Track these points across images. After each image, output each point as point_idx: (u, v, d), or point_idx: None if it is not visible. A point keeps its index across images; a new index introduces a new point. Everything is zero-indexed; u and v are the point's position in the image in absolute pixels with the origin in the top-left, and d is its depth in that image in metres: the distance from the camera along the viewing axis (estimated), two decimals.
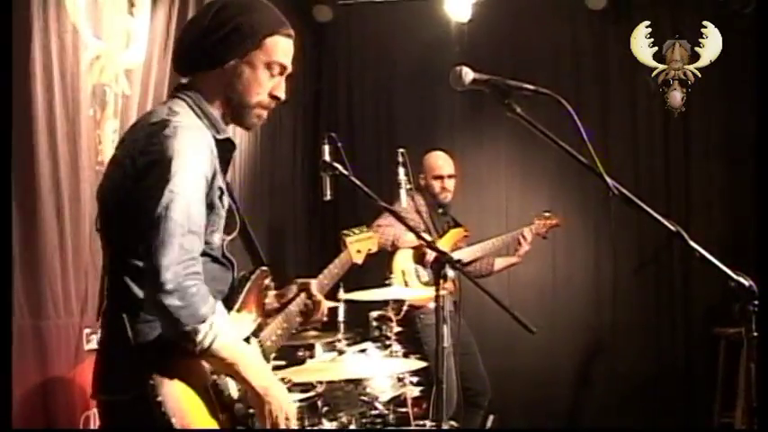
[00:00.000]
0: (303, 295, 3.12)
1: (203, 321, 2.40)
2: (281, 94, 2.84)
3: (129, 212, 2.50)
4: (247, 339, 2.81)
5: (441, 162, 6.39)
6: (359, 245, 3.56)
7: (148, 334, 2.51)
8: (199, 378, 2.57)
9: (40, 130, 3.99)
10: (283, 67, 2.82)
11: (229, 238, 2.86)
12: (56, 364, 4.10)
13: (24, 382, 3.84)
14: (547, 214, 6.63)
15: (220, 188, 2.68)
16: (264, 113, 2.86)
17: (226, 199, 2.76)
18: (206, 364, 2.59)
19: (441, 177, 6.34)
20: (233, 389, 2.67)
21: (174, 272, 2.36)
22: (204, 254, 2.67)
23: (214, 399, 2.59)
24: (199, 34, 2.77)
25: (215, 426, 2.57)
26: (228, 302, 2.79)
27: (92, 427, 4.31)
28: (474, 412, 6.17)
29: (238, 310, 2.81)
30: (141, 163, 2.53)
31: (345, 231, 3.57)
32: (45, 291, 4.03)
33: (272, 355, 3.00)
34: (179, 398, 2.46)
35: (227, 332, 2.51)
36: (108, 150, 4.50)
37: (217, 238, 2.74)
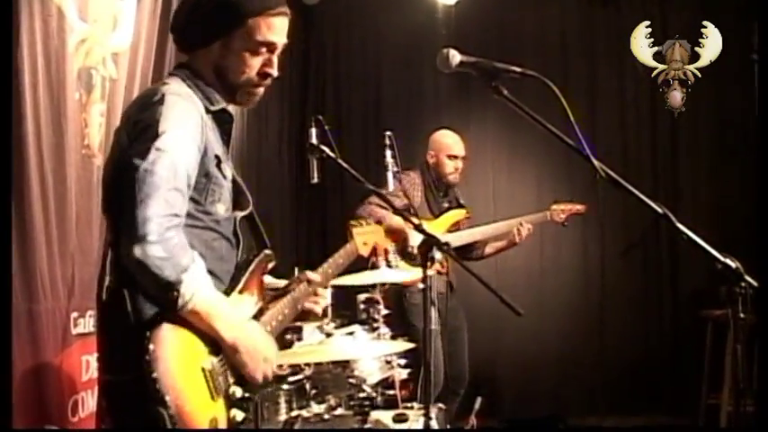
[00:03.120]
0: (304, 285, 3.09)
1: (185, 271, 2.40)
2: (273, 71, 2.83)
3: (123, 179, 2.49)
4: None
5: (455, 142, 6.32)
6: (366, 237, 3.49)
7: (147, 312, 2.49)
8: (196, 358, 2.55)
9: (25, 113, 3.97)
10: (272, 46, 2.80)
11: (242, 214, 2.88)
12: (45, 349, 4.10)
13: (16, 366, 3.82)
14: (568, 201, 6.52)
15: (217, 156, 2.71)
16: (258, 91, 2.86)
17: (228, 169, 2.79)
18: (201, 345, 2.56)
19: (455, 157, 6.28)
20: (229, 373, 2.65)
21: (157, 223, 2.36)
22: (211, 228, 2.71)
23: (210, 381, 2.57)
24: (187, 12, 2.80)
25: (211, 407, 2.56)
26: (232, 282, 2.80)
27: (79, 410, 4.32)
28: (450, 399, 6.10)
29: (240, 292, 2.80)
30: (133, 132, 2.57)
31: (353, 222, 3.53)
32: (34, 275, 4.02)
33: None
34: (175, 376, 2.43)
35: (206, 285, 2.51)
36: (94, 134, 4.49)
37: (221, 210, 2.74)
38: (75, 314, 4.28)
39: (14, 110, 3.89)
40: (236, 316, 2.67)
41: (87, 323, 4.33)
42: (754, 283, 2.29)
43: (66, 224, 4.25)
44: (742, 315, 2.30)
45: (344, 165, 3.22)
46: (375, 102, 8.26)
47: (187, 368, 2.51)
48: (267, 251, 3.01)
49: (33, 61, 4.03)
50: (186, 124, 2.57)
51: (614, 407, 7.34)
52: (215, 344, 2.59)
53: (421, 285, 5.70)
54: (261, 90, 2.87)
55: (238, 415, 2.67)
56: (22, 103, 3.95)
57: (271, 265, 3.02)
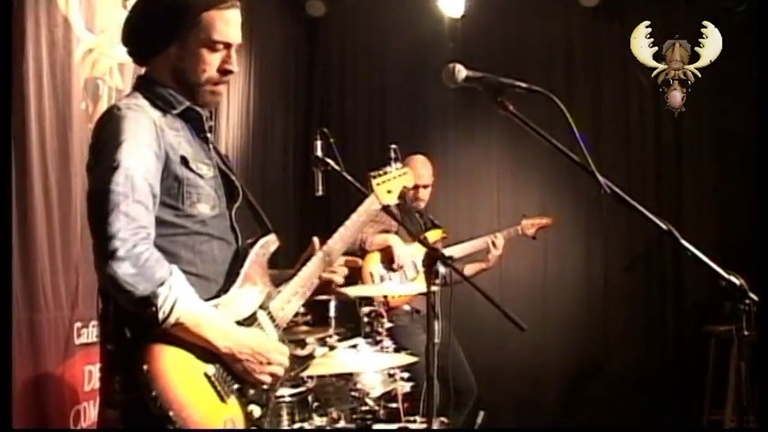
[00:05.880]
0: (318, 257, 3.02)
1: (161, 285, 2.37)
2: (231, 67, 2.75)
3: (88, 202, 2.53)
4: (253, 315, 2.72)
5: (419, 169, 6.12)
6: (389, 184, 3.27)
7: (144, 331, 2.45)
8: (196, 367, 2.51)
9: (30, 123, 3.98)
10: (228, 41, 2.72)
11: (235, 206, 2.84)
12: (47, 358, 4.09)
13: (17, 375, 3.82)
14: (536, 215, 6.51)
15: (183, 157, 2.65)
16: (219, 89, 2.78)
17: (206, 167, 2.73)
18: (200, 353, 2.52)
19: (416, 187, 6.08)
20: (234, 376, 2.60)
21: (122, 239, 2.35)
22: (197, 232, 2.67)
23: (217, 385, 2.53)
24: (136, 21, 2.76)
25: (223, 409, 2.53)
26: (230, 278, 2.73)
27: (81, 421, 4.31)
28: (459, 411, 6.08)
29: (240, 286, 2.73)
30: (91, 155, 2.59)
31: (372, 173, 3.32)
32: (36, 284, 4.02)
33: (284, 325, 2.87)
34: (175, 390, 2.41)
35: (187, 296, 2.46)
36: None
37: (205, 209, 2.70)
38: (78, 324, 4.29)
39: (19, 119, 3.91)
40: (227, 323, 2.60)
41: (91, 333, 4.33)
42: (758, 300, 2.29)
43: (70, 234, 4.25)
44: (746, 332, 2.29)
45: (349, 178, 3.21)
46: (380, 114, 8.25)
47: (188, 378, 2.48)
48: (268, 235, 2.94)
49: (39, 71, 4.05)
50: (137, 134, 2.53)
51: (616, 422, 7.31)
52: (211, 351, 2.55)
53: (407, 307, 5.79)
54: (222, 89, 2.79)
55: (256, 410, 2.63)
56: (27, 113, 3.96)
57: (273, 248, 2.95)
